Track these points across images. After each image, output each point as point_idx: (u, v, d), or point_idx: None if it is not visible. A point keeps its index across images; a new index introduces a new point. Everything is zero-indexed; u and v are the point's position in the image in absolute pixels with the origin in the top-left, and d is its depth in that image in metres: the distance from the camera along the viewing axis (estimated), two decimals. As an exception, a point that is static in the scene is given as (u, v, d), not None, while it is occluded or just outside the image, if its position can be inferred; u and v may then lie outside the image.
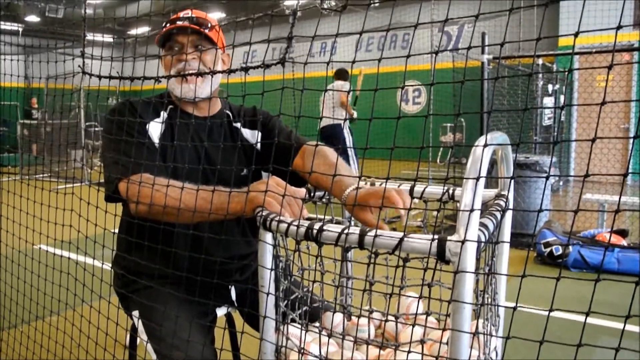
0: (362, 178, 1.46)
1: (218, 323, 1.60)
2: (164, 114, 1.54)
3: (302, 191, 1.17)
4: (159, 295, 1.46)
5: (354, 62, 1.02)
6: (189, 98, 1.50)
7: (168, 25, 1.53)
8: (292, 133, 1.61)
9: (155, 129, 1.49)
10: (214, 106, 1.63)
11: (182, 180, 1.27)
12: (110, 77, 1.45)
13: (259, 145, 1.62)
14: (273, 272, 1.08)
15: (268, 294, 1.07)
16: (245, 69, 1.16)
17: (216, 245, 1.51)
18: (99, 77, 1.46)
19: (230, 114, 1.65)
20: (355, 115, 6.54)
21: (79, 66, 1.53)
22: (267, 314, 1.07)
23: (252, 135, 1.64)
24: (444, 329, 1.12)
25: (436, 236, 0.80)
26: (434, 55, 0.94)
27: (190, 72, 1.46)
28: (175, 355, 1.35)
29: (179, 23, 1.50)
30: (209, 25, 1.54)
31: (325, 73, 1.08)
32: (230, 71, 1.30)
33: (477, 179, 0.81)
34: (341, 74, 6.82)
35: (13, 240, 2.26)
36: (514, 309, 0.81)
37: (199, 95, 1.50)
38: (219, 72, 1.31)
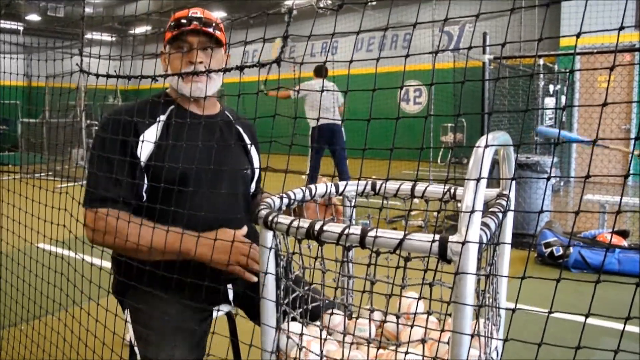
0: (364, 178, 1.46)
1: (219, 321, 1.60)
2: (162, 117, 1.53)
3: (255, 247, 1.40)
4: (148, 298, 1.45)
5: (351, 61, 1.02)
6: (193, 96, 1.51)
7: (176, 23, 1.52)
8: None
9: (151, 134, 1.49)
10: (215, 106, 1.67)
11: (191, 176, 1.46)
12: (108, 76, 1.45)
13: (255, 160, 1.72)
14: (274, 271, 1.09)
15: (266, 298, 1.07)
16: (241, 68, 1.16)
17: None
18: (97, 75, 1.47)
19: (230, 116, 1.71)
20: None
21: (77, 64, 1.53)
22: (268, 312, 1.08)
23: (252, 148, 1.73)
24: (442, 330, 1.12)
25: (438, 236, 0.80)
26: (434, 55, 0.94)
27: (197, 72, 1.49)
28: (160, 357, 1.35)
29: (191, 23, 1.50)
30: (217, 26, 1.55)
31: (322, 73, 1.08)
32: (225, 70, 1.30)
33: (478, 179, 0.81)
34: (317, 71, 6.25)
35: (13, 238, 2.26)
36: (513, 311, 0.81)
37: (201, 94, 1.52)
38: (214, 70, 1.32)
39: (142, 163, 1.46)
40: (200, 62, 1.50)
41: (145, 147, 1.46)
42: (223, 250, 1.37)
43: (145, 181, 1.47)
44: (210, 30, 1.51)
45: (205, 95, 1.51)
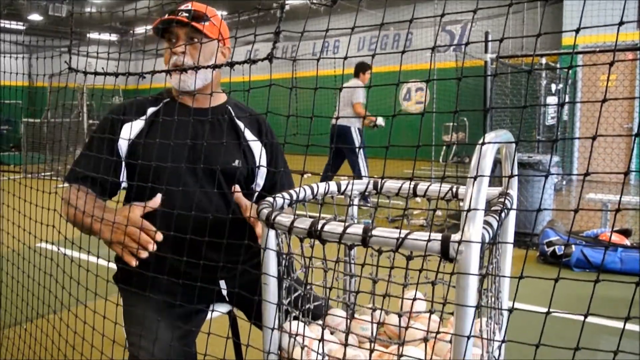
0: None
1: (221, 320, 1.60)
2: (151, 110, 1.59)
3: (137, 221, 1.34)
4: (136, 296, 1.46)
5: (345, 58, 1.03)
6: (181, 90, 1.56)
7: (165, 16, 1.55)
8: (289, 174, 1.73)
9: (134, 126, 1.55)
10: (214, 99, 1.63)
11: (167, 167, 1.45)
12: (95, 73, 1.46)
13: (262, 159, 1.65)
14: (276, 270, 1.09)
15: (267, 300, 1.07)
16: (231, 65, 1.17)
17: (202, 236, 1.47)
18: (85, 72, 1.48)
19: (232, 111, 1.67)
20: (380, 120, 6.08)
21: (65, 62, 1.54)
22: (270, 311, 1.08)
23: (255, 144, 1.65)
24: (438, 332, 1.12)
25: (440, 234, 0.80)
26: (434, 53, 0.94)
27: (179, 65, 1.51)
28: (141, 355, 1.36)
29: (177, 15, 1.52)
30: (206, 18, 1.54)
31: (316, 72, 1.09)
32: (215, 67, 1.30)
33: (475, 177, 0.81)
34: (357, 70, 6.18)
35: (16, 237, 2.26)
36: (510, 311, 0.81)
37: (188, 88, 1.54)
38: (202, 67, 1.32)
39: (122, 151, 1.53)
40: (183, 52, 1.51)
41: (128, 137, 1.53)
42: (116, 229, 1.35)
43: (124, 167, 1.54)
44: (195, 23, 1.51)
45: (194, 87, 1.51)
